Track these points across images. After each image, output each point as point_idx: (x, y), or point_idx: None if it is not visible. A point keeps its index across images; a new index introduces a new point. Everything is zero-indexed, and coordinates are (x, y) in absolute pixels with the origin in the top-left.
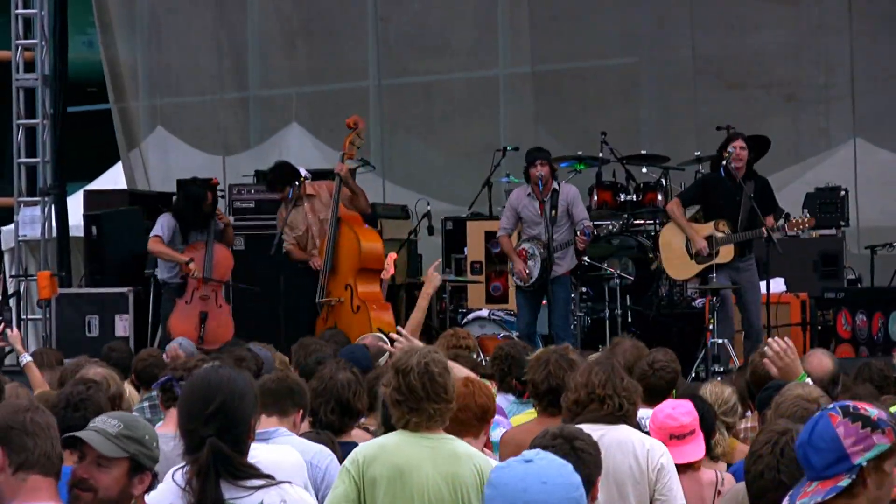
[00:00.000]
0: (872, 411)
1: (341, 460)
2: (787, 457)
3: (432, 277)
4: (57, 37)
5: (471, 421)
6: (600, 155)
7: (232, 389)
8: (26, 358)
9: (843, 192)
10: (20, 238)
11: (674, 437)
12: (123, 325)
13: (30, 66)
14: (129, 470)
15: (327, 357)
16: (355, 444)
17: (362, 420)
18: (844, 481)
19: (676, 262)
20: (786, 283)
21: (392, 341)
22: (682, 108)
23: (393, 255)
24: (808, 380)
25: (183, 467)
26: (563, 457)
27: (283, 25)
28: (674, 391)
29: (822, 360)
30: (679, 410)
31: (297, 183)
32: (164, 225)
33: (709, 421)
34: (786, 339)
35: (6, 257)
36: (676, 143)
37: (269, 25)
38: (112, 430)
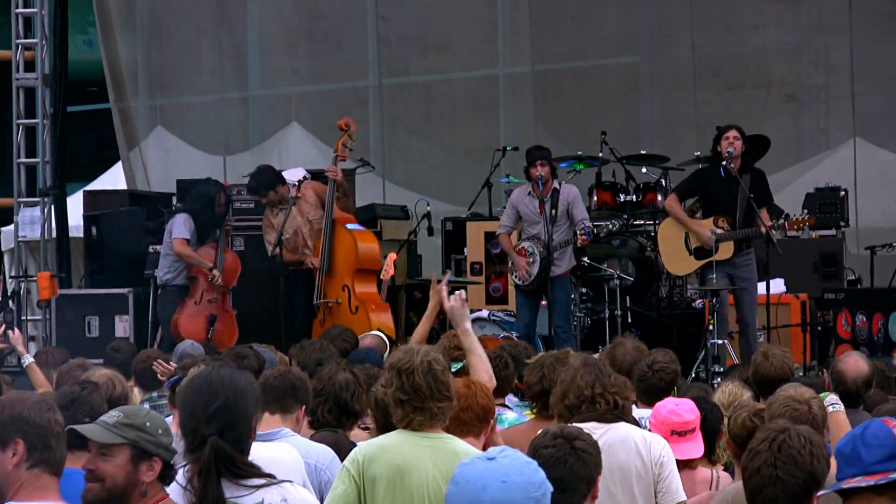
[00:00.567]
0: None
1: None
2: (784, 453)
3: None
4: (57, 36)
5: (472, 421)
6: (600, 155)
7: (233, 389)
8: (28, 359)
9: (842, 193)
10: (20, 239)
11: (675, 434)
12: (123, 326)
13: (30, 66)
14: (131, 457)
15: (327, 358)
16: (354, 444)
17: (363, 422)
18: (895, 475)
19: (675, 257)
20: (786, 283)
21: (394, 342)
22: (682, 108)
23: (393, 256)
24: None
25: (184, 466)
26: (563, 456)
27: (284, 25)
28: (674, 391)
29: (857, 362)
30: (682, 408)
31: (297, 183)
32: (185, 226)
33: (713, 423)
34: None
35: (6, 258)
36: (676, 143)
37: (269, 25)
38: (110, 420)
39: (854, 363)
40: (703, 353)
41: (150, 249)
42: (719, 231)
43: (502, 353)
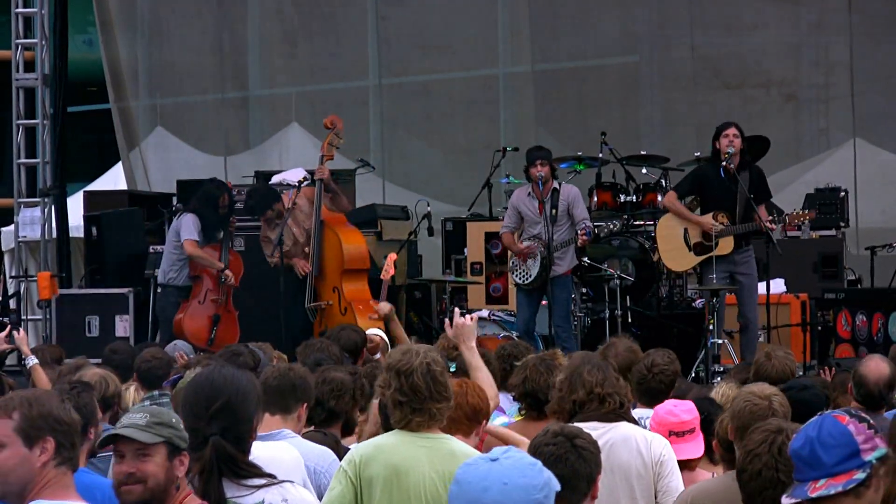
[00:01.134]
0: (868, 418)
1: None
2: (784, 455)
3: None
4: (57, 36)
5: (461, 420)
6: (600, 155)
7: (235, 388)
8: (32, 360)
9: (842, 193)
10: (20, 239)
11: (673, 434)
12: (123, 326)
13: (30, 66)
14: (168, 454)
15: (326, 359)
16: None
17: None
18: (860, 475)
19: (674, 253)
20: (786, 283)
21: (393, 342)
22: (682, 108)
23: (393, 256)
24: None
25: None
26: (564, 455)
27: (284, 25)
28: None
29: (878, 364)
30: (681, 408)
31: (297, 184)
32: (193, 227)
33: (715, 424)
34: None
35: (6, 258)
36: (676, 143)
37: (269, 25)
38: (141, 421)
39: (875, 366)
40: (703, 352)
41: (150, 249)
42: (719, 226)
43: (502, 352)
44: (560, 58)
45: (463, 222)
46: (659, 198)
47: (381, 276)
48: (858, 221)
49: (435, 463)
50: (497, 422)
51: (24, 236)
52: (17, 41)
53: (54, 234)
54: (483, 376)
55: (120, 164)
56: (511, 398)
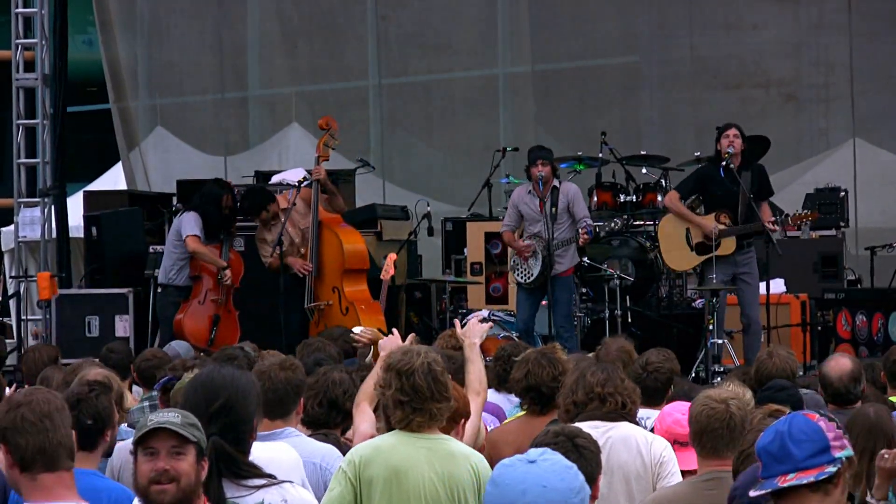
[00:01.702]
0: (836, 420)
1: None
2: None
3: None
4: (57, 36)
5: None
6: (600, 155)
7: (235, 388)
8: None
9: (842, 193)
10: (20, 239)
11: (678, 444)
12: (123, 326)
13: (30, 66)
14: (196, 456)
15: (326, 359)
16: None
17: None
18: (830, 469)
19: (676, 253)
20: (786, 283)
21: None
22: (681, 108)
23: (393, 256)
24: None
25: None
26: (565, 454)
27: (283, 25)
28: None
29: (839, 361)
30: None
31: (297, 184)
32: (195, 224)
33: None
34: None
35: (6, 258)
36: (676, 143)
37: (269, 25)
38: (176, 419)
39: (836, 362)
40: (702, 352)
41: (150, 249)
42: (721, 226)
43: (502, 353)
44: (560, 58)
45: (463, 222)
46: (659, 198)
47: (381, 277)
48: (858, 221)
49: (434, 463)
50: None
51: (24, 236)
52: (17, 41)
53: (54, 235)
54: (475, 369)
55: (120, 164)
56: (511, 399)
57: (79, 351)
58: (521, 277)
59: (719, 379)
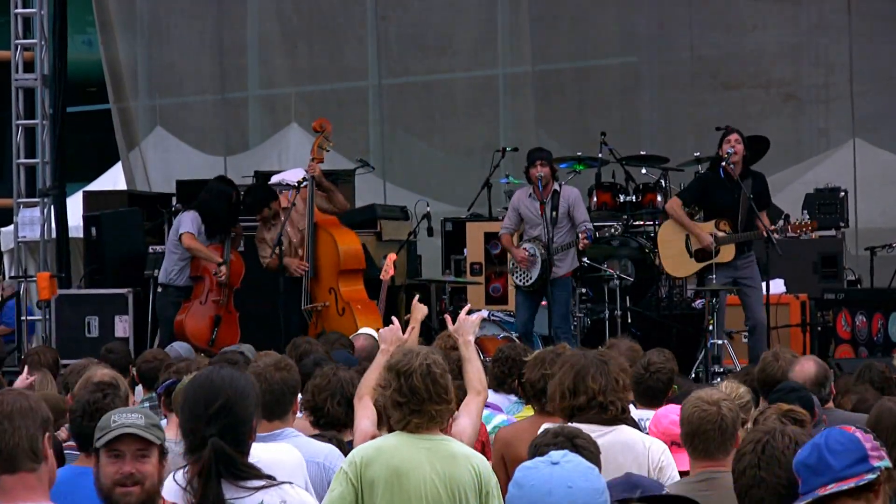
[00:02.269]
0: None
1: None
2: (767, 454)
3: (417, 308)
4: (57, 36)
5: None
6: (600, 156)
7: (234, 389)
8: None
9: (842, 193)
10: (20, 239)
11: (675, 444)
12: (123, 326)
13: (29, 66)
14: (159, 457)
15: (324, 359)
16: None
17: None
18: (869, 476)
19: (675, 259)
20: (785, 283)
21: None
22: (681, 108)
23: (392, 256)
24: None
25: (184, 467)
26: None
27: (283, 25)
28: (674, 389)
29: (804, 365)
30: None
31: (297, 184)
32: (192, 222)
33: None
34: None
35: (6, 258)
36: (676, 144)
37: (269, 25)
38: (140, 421)
39: (801, 368)
40: (702, 353)
41: (150, 249)
42: (720, 234)
43: (501, 354)
44: (560, 58)
45: (462, 222)
46: (659, 198)
47: (381, 277)
48: (858, 221)
49: (435, 465)
50: (496, 421)
51: (24, 236)
52: (17, 41)
53: (54, 235)
54: (473, 368)
55: (119, 164)
56: (511, 399)
57: (78, 351)
58: (520, 280)
59: (719, 380)
